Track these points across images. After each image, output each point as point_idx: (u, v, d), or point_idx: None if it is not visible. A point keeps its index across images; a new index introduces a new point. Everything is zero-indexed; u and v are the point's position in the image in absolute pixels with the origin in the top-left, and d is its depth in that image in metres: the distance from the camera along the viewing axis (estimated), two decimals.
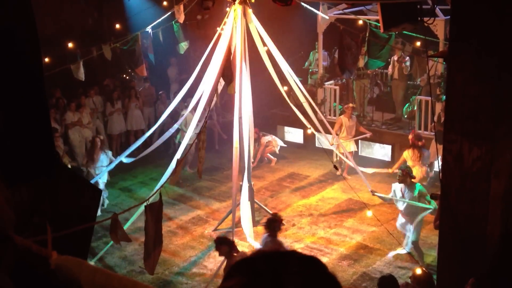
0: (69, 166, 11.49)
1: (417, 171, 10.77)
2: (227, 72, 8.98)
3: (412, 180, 9.39)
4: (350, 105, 13.12)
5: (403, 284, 7.04)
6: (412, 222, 9.13)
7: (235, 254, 7.56)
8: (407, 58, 13.77)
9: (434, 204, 8.76)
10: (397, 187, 9.35)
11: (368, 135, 12.96)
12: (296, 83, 10.98)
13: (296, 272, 1.31)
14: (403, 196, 9.24)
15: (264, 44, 10.57)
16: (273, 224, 8.06)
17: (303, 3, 11.30)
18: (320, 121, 11.43)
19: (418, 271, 6.86)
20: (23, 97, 3.15)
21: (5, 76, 3.02)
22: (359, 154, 13.89)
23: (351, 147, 12.96)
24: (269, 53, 10.67)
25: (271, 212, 11.06)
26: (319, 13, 13.09)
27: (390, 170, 11.82)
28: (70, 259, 2.38)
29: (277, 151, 14.02)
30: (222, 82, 9.91)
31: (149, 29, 12.40)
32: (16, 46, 3.09)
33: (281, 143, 14.13)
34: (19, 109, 3.13)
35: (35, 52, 3.26)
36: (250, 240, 9.94)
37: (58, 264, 2.38)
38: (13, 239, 2.22)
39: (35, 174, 3.20)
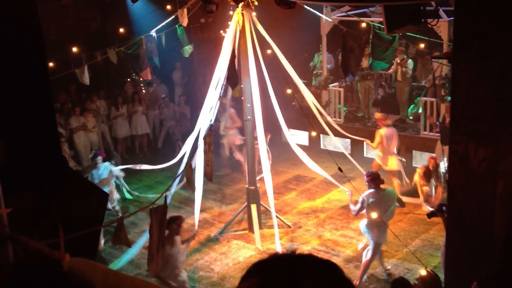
0: (75, 170, 11.49)
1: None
2: (232, 75, 8.97)
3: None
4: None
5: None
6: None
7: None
8: (409, 61, 13.75)
9: None
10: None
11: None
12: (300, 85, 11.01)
13: (312, 275, 1.31)
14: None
15: (269, 48, 10.57)
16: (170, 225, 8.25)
17: (306, 6, 11.30)
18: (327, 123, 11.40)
19: (423, 272, 6.85)
20: (30, 102, 3.17)
21: (12, 81, 3.04)
22: (364, 156, 13.87)
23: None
24: (273, 56, 10.67)
25: (277, 214, 11.07)
26: (323, 15, 13.09)
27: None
28: (82, 261, 2.40)
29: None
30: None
31: (153, 32, 12.43)
32: (22, 51, 3.11)
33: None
34: (26, 114, 3.15)
35: (41, 57, 3.28)
36: None
37: (71, 266, 2.40)
38: (20, 241, 2.24)
39: (43, 179, 3.22)
